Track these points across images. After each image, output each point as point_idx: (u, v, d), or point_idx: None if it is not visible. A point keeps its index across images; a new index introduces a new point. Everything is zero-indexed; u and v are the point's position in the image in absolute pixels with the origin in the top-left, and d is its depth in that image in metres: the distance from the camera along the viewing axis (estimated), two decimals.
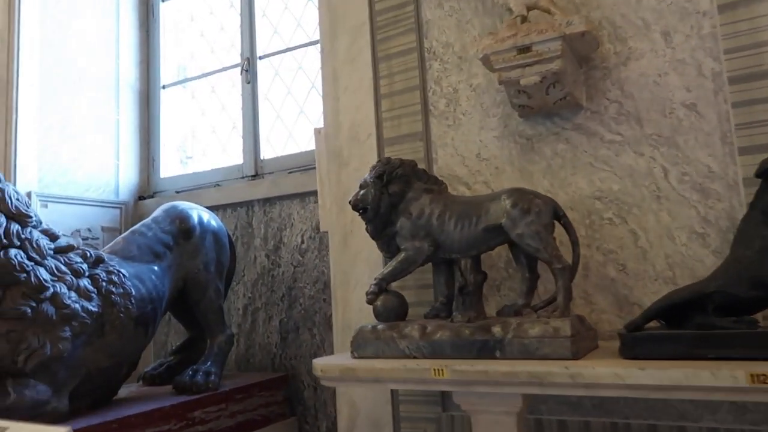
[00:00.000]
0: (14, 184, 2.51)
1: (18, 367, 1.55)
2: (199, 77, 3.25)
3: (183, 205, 2.28)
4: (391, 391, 1.65)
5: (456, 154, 1.63)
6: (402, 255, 1.42)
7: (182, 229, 2.18)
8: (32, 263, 1.59)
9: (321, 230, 1.91)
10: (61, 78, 2.88)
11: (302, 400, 2.50)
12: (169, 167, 3.22)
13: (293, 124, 2.91)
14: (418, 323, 1.37)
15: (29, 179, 2.63)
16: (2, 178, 1.62)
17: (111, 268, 1.87)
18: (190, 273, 2.17)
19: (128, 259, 1.99)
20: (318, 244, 2.54)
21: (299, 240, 2.59)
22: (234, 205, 2.77)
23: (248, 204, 2.74)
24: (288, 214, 2.63)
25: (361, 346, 1.39)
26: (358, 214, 1.52)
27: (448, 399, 1.51)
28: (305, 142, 2.85)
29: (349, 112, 1.77)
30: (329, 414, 2.43)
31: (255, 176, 2.80)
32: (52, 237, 1.71)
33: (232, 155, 3.13)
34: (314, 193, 2.55)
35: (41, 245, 1.65)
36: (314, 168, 2.60)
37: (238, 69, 3.04)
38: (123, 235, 2.13)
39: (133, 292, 1.90)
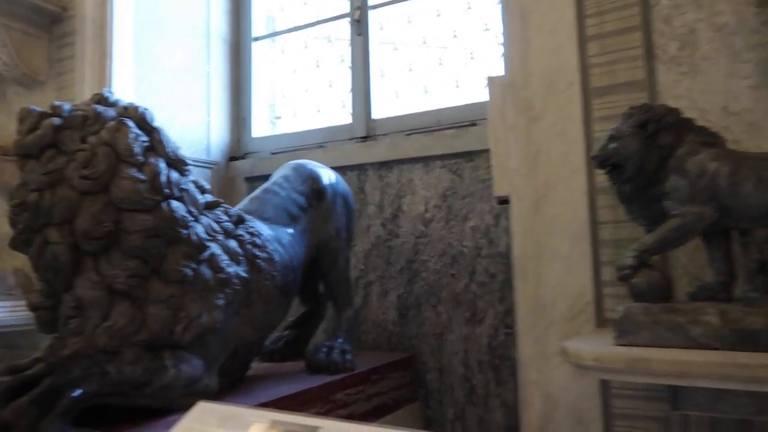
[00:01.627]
0: None
1: (175, 338, 1.33)
2: (293, 29, 2.99)
3: (311, 164, 2.04)
4: (602, 381, 1.41)
5: (693, 107, 1.36)
6: (675, 222, 1.16)
7: (315, 189, 1.95)
8: (192, 218, 1.36)
9: (496, 194, 1.67)
10: (154, 25, 2.63)
11: (424, 383, 2.28)
12: (259, 127, 2.98)
13: (400, 82, 2.65)
14: (714, 306, 1.12)
15: None
16: (153, 116, 1.38)
17: (252, 230, 1.63)
18: (322, 239, 1.94)
19: (265, 221, 1.76)
20: (445, 213, 2.29)
21: (422, 209, 2.35)
22: (343, 168, 2.52)
23: (360, 168, 2.49)
24: (408, 179, 2.39)
25: (629, 331, 1.14)
26: (603, 171, 1.26)
27: (681, 394, 1.27)
28: (414, 102, 2.60)
29: (543, 57, 1.52)
30: (456, 400, 2.21)
31: (366, 138, 2.55)
32: (202, 189, 1.48)
33: (328, 115, 2.88)
34: (440, 157, 2.31)
35: (197, 198, 1.41)
36: (437, 130, 2.35)
37: (343, 21, 2.77)
38: (254, 193, 1.90)
39: (276, 258, 1.67)
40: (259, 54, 3.01)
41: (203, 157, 2.73)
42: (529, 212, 1.56)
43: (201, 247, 1.36)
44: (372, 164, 2.47)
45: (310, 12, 3.01)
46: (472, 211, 2.24)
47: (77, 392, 1.12)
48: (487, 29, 2.48)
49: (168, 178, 1.31)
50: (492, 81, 1.64)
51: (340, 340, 1.95)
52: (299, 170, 1.98)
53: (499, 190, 1.64)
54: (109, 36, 2.43)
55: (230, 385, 1.63)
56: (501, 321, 2.16)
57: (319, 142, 2.68)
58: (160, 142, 1.34)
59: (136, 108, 1.35)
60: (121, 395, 1.24)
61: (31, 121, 1.24)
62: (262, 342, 1.71)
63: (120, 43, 2.46)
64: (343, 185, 2.08)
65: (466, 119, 2.32)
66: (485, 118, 2.25)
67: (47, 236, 1.21)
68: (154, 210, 1.26)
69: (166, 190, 1.29)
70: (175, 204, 1.31)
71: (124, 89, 2.42)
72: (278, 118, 3.08)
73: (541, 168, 1.49)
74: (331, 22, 2.86)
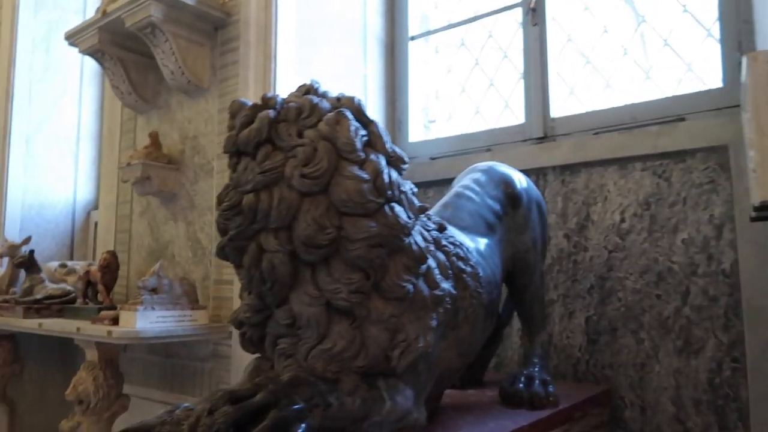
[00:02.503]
0: None
1: (391, 364, 1.13)
2: (451, 26, 2.79)
3: (501, 166, 1.81)
4: None
5: None
6: None
7: (509, 194, 1.71)
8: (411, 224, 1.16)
9: (756, 200, 1.35)
10: (313, 26, 2.54)
11: (622, 422, 1.95)
12: (414, 131, 2.80)
13: (576, 77, 2.36)
14: None
15: None
16: (363, 103, 1.20)
17: (453, 239, 1.42)
18: (518, 251, 1.70)
19: (462, 229, 1.54)
20: (648, 223, 1.97)
21: (617, 218, 2.04)
22: None
23: (537, 172, 2.22)
24: (599, 185, 2.09)
25: None
26: None
27: None
28: (593, 99, 2.30)
29: None
30: None
31: (544, 138, 2.29)
32: (413, 192, 1.28)
33: (488, 117, 2.65)
34: (640, 158, 1.99)
35: (414, 202, 1.22)
36: (635, 127, 2.04)
37: (508, 14, 2.54)
38: (444, 199, 1.69)
39: (480, 272, 1.45)
40: (415, 54, 2.85)
41: None
42: None
43: (422, 258, 1.16)
44: (552, 168, 2.20)
45: (466, 7, 2.81)
46: (683, 221, 1.90)
47: (301, 428, 0.95)
48: (685, 10, 2.14)
49: (389, 177, 1.12)
50: (755, 58, 1.32)
51: (536, 369, 1.69)
52: (490, 173, 1.75)
53: (765, 194, 1.31)
54: (273, 39, 2.35)
55: (428, 418, 1.42)
56: (726, 353, 1.80)
57: (486, 145, 2.45)
58: (379, 136, 1.16)
59: (350, 98, 1.19)
60: None
61: (245, 114, 1.11)
62: (463, 368, 1.48)
63: (283, 46, 2.38)
64: (536, 191, 1.82)
65: (667, 115, 2.00)
66: (695, 112, 1.93)
67: (264, 243, 1.06)
68: (376, 214, 1.08)
69: (389, 192, 1.11)
70: (398, 208, 1.12)
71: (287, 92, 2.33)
72: (432, 121, 2.90)
73: None
74: (492, 16, 2.64)
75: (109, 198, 2.99)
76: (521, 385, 1.61)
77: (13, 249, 2.82)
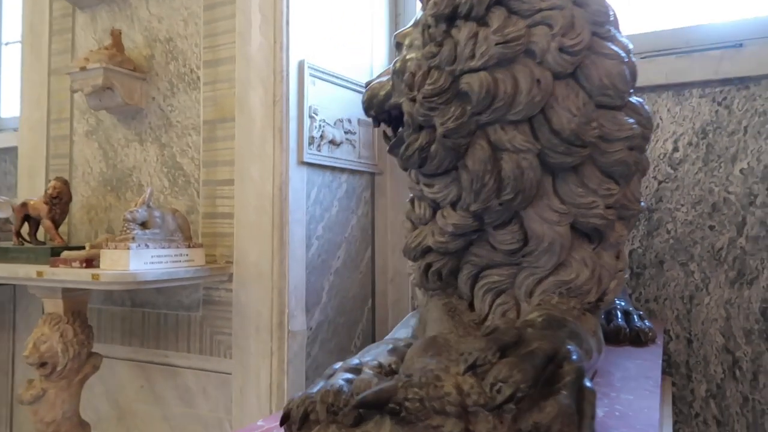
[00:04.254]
0: (286, 48, 1.82)
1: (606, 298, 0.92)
2: None
3: None
4: None
5: None
6: None
7: None
8: None
9: None
10: None
11: (666, 354, 1.92)
12: None
13: None
14: None
15: (299, 40, 1.92)
16: None
17: None
18: None
19: None
20: (704, 152, 1.90)
21: (670, 147, 1.95)
22: None
23: None
24: (651, 111, 1.97)
25: None
26: None
27: None
28: (640, 21, 2.16)
29: None
30: (712, 375, 1.86)
31: None
32: None
33: None
34: (700, 84, 1.90)
35: None
36: (696, 51, 1.94)
37: None
38: None
39: None
40: None
41: (366, 79, 2.26)
42: None
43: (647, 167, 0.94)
44: None
45: None
46: (743, 150, 1.85)
47: (588, 380, 0.72)
48: None
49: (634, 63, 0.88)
50: None
51: (623, 303, 1.58)
52: None
53: None
54: None
55: None
56: None
57: None
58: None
59: None
60: None
61: None
62: None
63: None
64: None
65: (727, 40, 1.91)
66: (754, 38, 1.86)
67: (499, 140, 0.78)
68: (626, 108, 0.84)
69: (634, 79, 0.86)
70: (638, 101, 0.88)
71: None
72: None
73: None
74: None
75: (35, 116, 2.39)
76: (620, 321, 1.48)
77: None
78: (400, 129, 1.00)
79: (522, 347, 0.70)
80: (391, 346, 0.91)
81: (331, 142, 2.07)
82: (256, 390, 1.89)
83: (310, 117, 1.97)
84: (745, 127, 1.85)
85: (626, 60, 0.82)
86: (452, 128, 0.79)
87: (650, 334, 1.49)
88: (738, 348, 1.84)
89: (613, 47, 0.81)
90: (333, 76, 2.07)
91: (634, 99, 0.86)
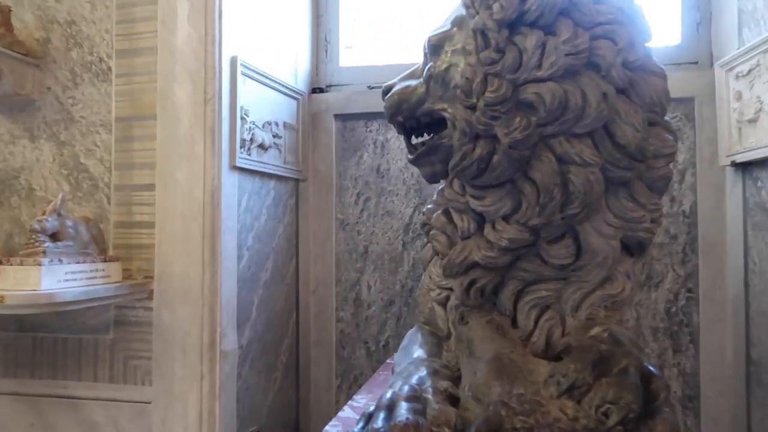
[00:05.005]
0: (219, 41, 1.70)
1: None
2: None
3: None
4: None
5: None
6: None
7: None
8: None
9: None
10: None
11: None
12: (345, 55, 2.42)
13: None
14: None
15: (231, 34, 1.78)
16: None
17: None
18: None
19: None
20: None
21: None
22: None
23: None
24: None
25: None
26: None
27: None
28: None
29: None
30: None
31: None
32: None
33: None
34: None
35: None
36: None
37: None
38: None
39: None
40: None
41: (291, 83, 2.16)
42: None
43: None
44: None
45: None
46: None
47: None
48: None
49: None
50: None
51: None
52: None
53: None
54: None
55: None
56: (682, 285, 2.01)
57: None
58: None
59: None
60: None
61: None
62: None
63: None
64: None
65: None
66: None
67: (565, 152, 0.76)
68: (664, 125, 0.87)
69: None
70: (668, 119, 0.92)
71: None
72: (349, 47, 2.56)
73: None
74: None
75: None
76: None
77: None
78: (425, 137, 0.95)
79: (612, 365, 0.69)
80: (428, 368, 0.85)
81: (260, 146, 1.94)
82: (182, 419, 1.70)
83: (242, 118, 1.83)
84: None
85: (665, 77, 0.85)
86: (520, 139, 0.76)
87: None
88: (646, 345, 2.02)
89: (658, 64, 0.84)
90: (263, 75, 1.94)
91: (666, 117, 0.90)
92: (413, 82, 0.92)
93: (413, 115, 0.91)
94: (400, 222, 2.22)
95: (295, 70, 2.21)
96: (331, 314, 2.25)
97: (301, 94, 2.21)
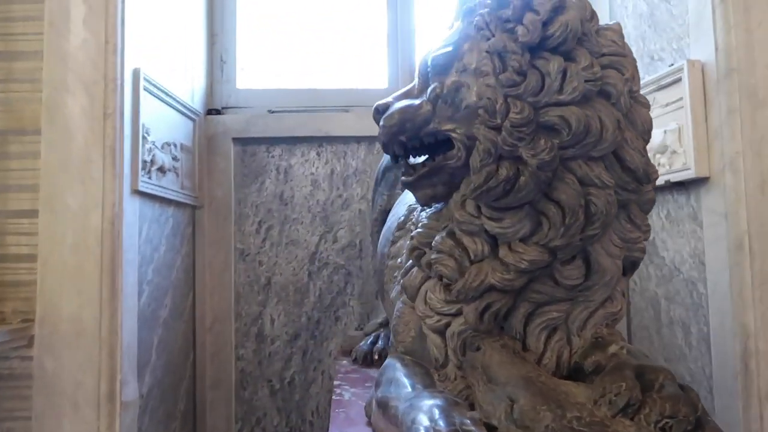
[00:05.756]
0: (121, 51, 1.55)
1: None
2: None
3: None
4: None
5: None
6: None
7: None
8: None
9: (690, 172, 1.69)
10: None
11: None
12: (246, 77, 2.29)
13: None
14: None
15: (133, 44, 1.61)
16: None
17: None
18: None
19: None
20: None
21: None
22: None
23: None
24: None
25: None
26: None
27: None
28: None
29: (765, 50, 1.62)
30: None
31: None
32: None
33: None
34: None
35: None
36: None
37: None
38: None
39: None
40: None
41: (188, 101, 2.00)
42: (756, 193, 1.63)
43: None
44: None
45: None
46: None
47: None
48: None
49: None
50: (691, 65, 1.68)
51: None
52: None
53: (699, 170, 1.67)
54: None
55: None
56: None
57: (343, 106, 2.24)
58: None
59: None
60: None
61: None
62: None
63: None
64: None
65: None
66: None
67: (585, 175, 0.78)
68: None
69: None
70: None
71: None
72: (242, 70, 2.45)
73: (766, 152, 1.59)
74: None
75: None
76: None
77: None
78: (426, 159, 0.92)
79: (652, 380, 0.71)
80: (444, 400, 0.81)
81: (160, 169, 1.76)
82: None
83: (143, 137, 1.64)
84: None
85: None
86: (547, 161, 0.76)
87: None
88: None
89: (644, 96, 0.90)
90: (163, 92, 1.77)
91: None
92: (414, 101, 0.90)
93: (417, 135, 0.88)
94: (306, 251, 2.14)
95: (192, 89, 2.05)
96: (229, 352, 2.08)
97: (197, 115, 2.05)
